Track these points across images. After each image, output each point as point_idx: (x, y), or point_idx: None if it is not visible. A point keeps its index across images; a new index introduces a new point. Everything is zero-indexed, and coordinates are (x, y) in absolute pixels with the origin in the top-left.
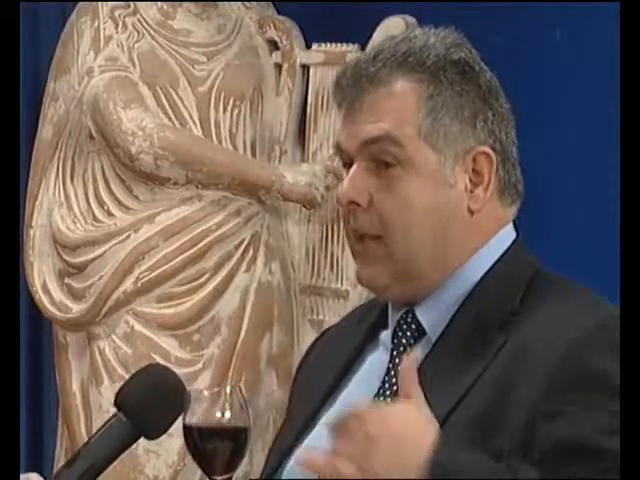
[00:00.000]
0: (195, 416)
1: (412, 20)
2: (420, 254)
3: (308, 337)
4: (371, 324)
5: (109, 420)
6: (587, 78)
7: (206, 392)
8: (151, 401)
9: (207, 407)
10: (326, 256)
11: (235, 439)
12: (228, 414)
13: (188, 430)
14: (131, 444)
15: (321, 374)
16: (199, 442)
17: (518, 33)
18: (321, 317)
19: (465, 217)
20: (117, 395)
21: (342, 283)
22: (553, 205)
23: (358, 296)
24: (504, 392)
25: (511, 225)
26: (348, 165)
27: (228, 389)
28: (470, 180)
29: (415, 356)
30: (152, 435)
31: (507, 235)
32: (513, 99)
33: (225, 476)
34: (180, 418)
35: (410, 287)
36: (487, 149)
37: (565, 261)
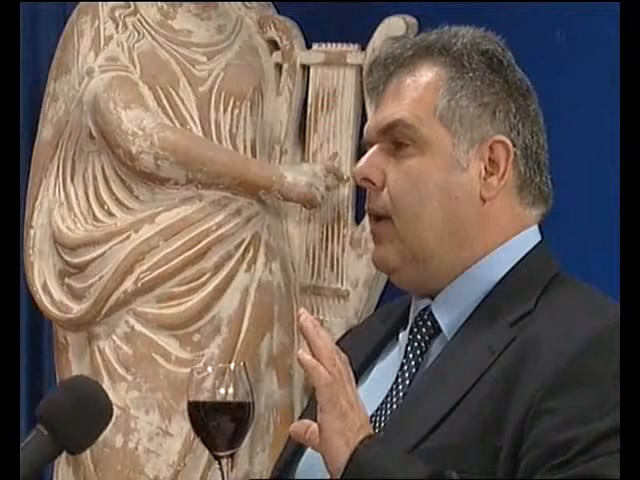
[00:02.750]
0: (199, 393)
1: (412, 20)
2: (429, 233)
3: None
4: (393, 323)
5: (31, 432)
6: (587, 78)
7: (210, 369)
8: (73, 415)
9: (211, 384)
10: (326, 256)
11: (239, 414)
12: (232, 390)
13: (192, 406)
14: (53, 458)
15: None
16: (203, 418)
17: (518, 33)
18: (321, 317)
19: (477, 203)
20: (39, 407)
21: (342, 283)
22: (553, 205)
23: (358, 296)
24: (507, 389)
25: (535, 228)
26: None
27: (232, 366)
28: (485, 169)
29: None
30: (73, 450)
31: (530, 237)
32: None
33: (228, 452)
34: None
35: (420, 269)
36: (504, 139)
37: (565, 261)
